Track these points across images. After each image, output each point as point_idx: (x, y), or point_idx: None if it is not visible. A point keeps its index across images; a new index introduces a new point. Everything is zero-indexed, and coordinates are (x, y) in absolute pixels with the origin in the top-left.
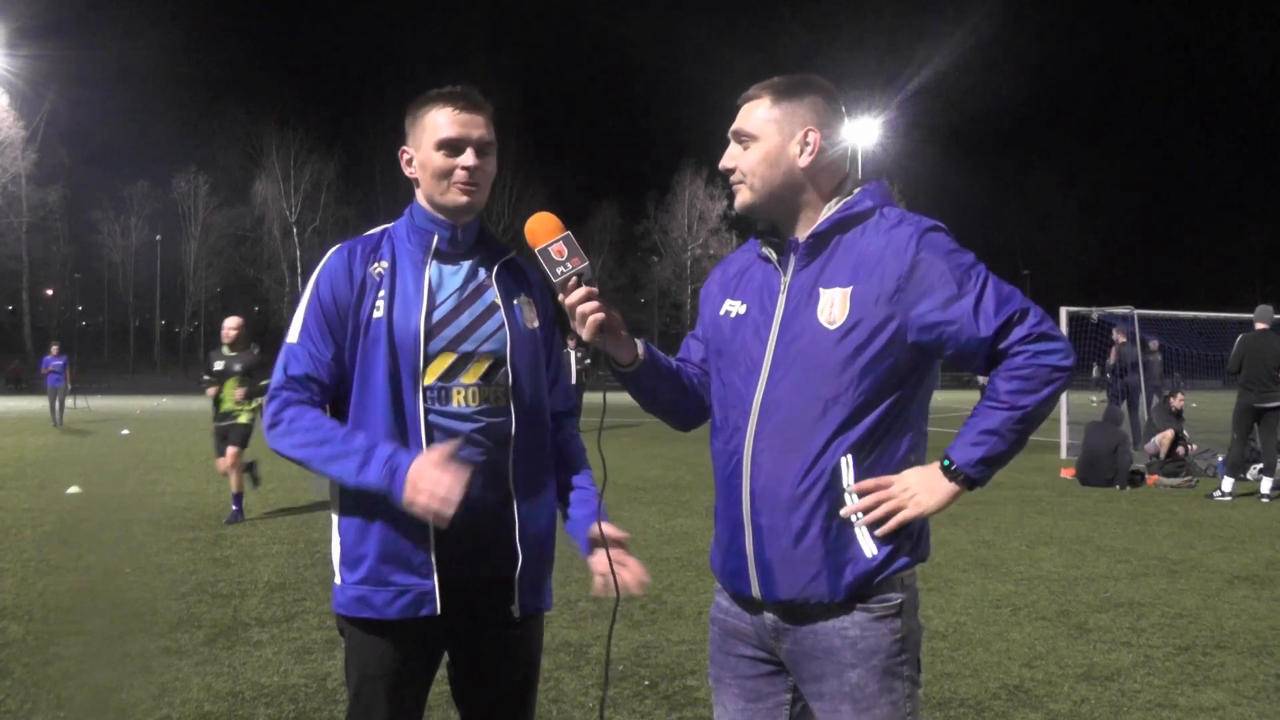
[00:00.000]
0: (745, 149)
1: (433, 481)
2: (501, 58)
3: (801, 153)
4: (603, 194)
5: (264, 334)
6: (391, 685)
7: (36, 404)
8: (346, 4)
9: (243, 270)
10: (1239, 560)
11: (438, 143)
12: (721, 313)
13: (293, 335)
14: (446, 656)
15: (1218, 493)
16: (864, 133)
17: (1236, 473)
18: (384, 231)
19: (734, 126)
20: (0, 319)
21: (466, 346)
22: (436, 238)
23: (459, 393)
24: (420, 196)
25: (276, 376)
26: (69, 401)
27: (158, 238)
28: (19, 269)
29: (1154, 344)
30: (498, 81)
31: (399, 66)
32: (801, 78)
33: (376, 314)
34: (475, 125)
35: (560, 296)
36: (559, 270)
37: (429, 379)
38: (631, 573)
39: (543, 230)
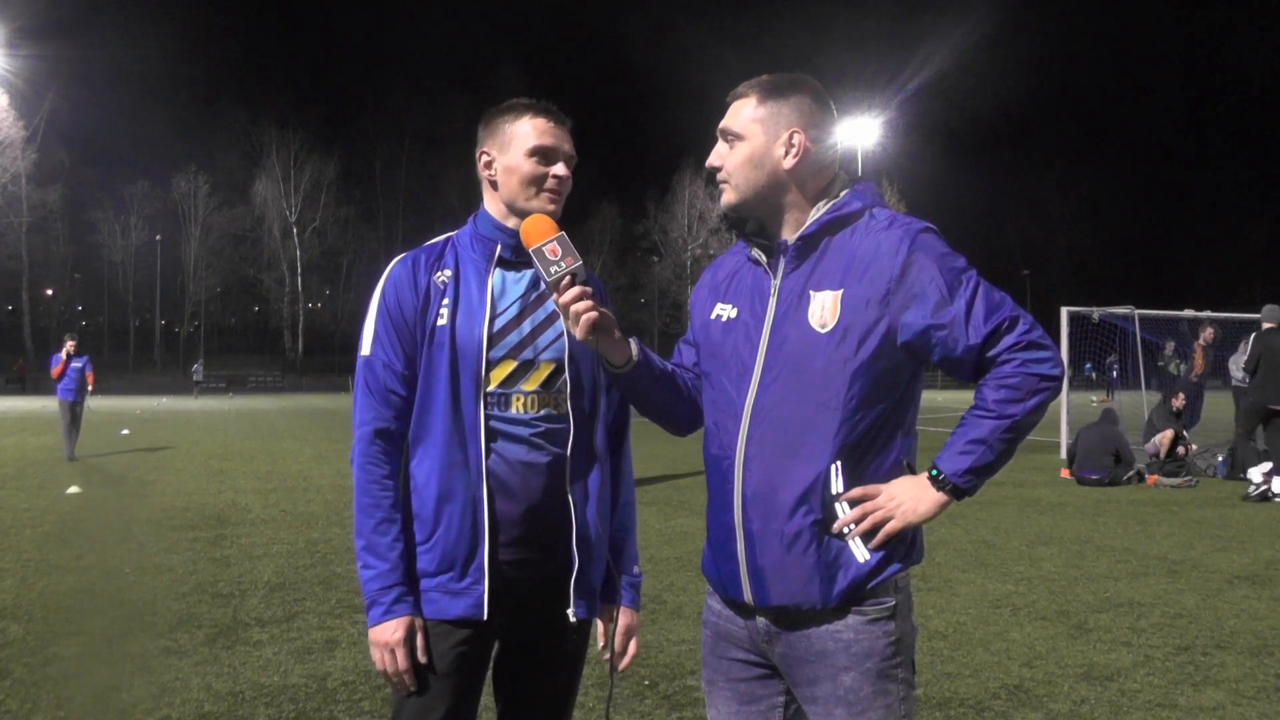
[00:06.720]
0: (731, 148)
1: (383, 645)
2: (501, 58)
3: (786, 154)
4: (602, 194)
5: (264, 334)
6: (432, 683)
7: (37, 404)
8: (346, 4)
9: (243, 270)
10: (1239, 560)
11: (531, 149)
12: (712, 316)
13: (365, 348)
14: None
15: (1251, 488)
16: (864, 133)
17: (1245, 469)
18: (447, 240)
19: (722, 124)
20: (0, 319)
21: (527, 354)
22: (500, 246)
23: (519, 399)
24: (493, 202)
25: (358, 394)
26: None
27: (158, 238)
28: (19, 269)
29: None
30: (497, 81)
31: (399, 66)
32: (789, 77)
33: (441, 321)
34: (565, 139)
35: (554, 296)
36: (552, 270)
37: (490, 385)
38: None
39: (537, 231)
